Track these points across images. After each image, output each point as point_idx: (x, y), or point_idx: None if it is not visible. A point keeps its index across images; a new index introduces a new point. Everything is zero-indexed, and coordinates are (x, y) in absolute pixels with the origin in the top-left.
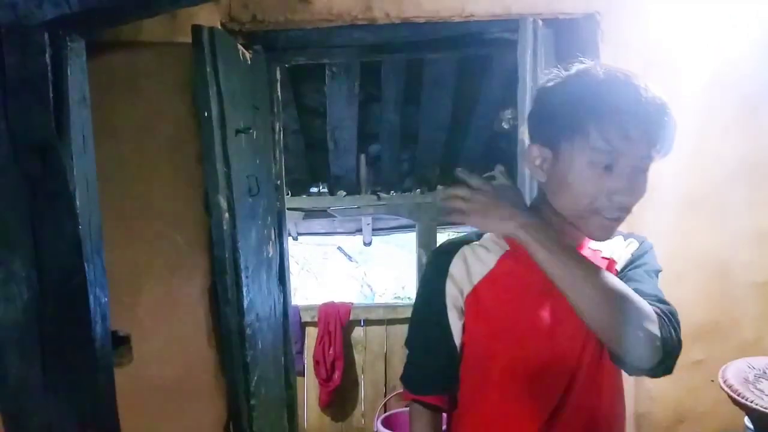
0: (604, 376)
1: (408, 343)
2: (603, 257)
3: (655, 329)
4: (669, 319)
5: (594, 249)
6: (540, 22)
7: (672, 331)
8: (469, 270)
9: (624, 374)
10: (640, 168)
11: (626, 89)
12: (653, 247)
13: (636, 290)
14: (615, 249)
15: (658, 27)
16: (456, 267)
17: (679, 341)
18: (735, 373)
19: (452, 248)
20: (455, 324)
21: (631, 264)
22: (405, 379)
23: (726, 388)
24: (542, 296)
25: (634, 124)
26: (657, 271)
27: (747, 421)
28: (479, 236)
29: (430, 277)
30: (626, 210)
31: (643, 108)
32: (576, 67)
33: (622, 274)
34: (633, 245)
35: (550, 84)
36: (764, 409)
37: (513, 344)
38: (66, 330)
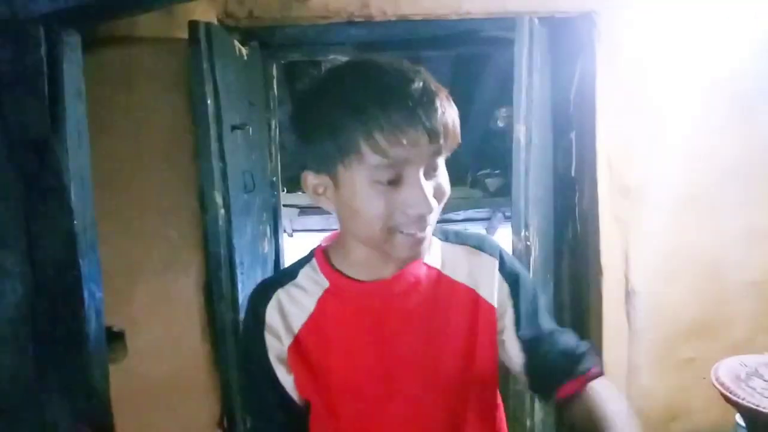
0: (468, 402)
1: (246, 409)
2: (455, 282)
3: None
4: (592, 350)
5: (431, 266)
6: (536, 21)
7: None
8: (287, 318)
9: (620, 371)
10: (431, 167)
11: (388, 86)
12: (502, 249)
13: (552, 347)
14: (455, 264)
15: (654, 27)
16: (272, 317)
17: None
18: (727, 370)
19: (265, 294)
20: (285, 380)
21: (514, 293)
22: None
23: (718, 386)
24: (373, 337)
25: (407, 126)
26: (534, 289)
27: (738, 418)
28: (294, 273)
29: (248, 331)
30: (427, 220)
31: (413, 104)
32: (325, 72)
33: (520, 309)
34: (487, 262)
35: (304, 96)
36: (755, 407)
37: (346, 395)
38: (60, 326)
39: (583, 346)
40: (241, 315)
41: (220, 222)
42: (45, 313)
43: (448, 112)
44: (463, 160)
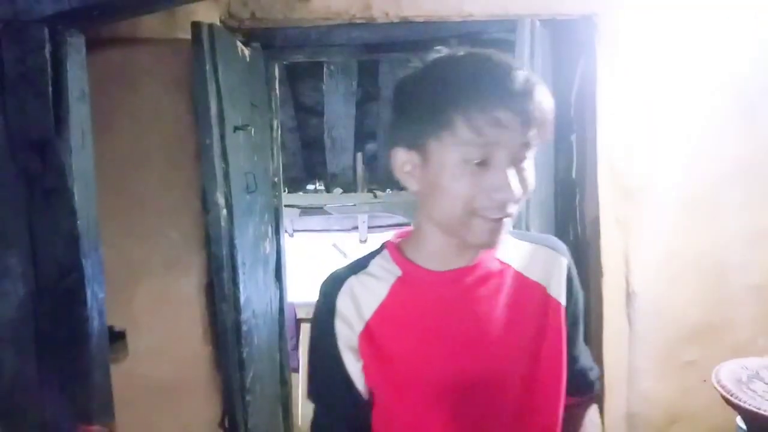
0: (536, 392)
1: (309, 395)
2: (527, 278)
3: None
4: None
5: (503, 261)
6: (537, 23)
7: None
8: (359, 304)
9: (621, 373)
10: (519, 157)
11: (490, 71)
12: (570, 255)
13: (580, 371)
14: (528, 262)
15: (654, 29)
16: (343, 303)
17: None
18: (728, 373)
19: (338, 282)
20: (354, 368)
21: (570, 300)
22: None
23: (719, 389)
24: (443, 325)
25: (504, 108)
26: (584, 305)
27: (739, 421)
28: (366, 263)
29: (319, 318)
30: (510, 209)
31: (512, 89)
32: (433, 56)
33: (569, 318)
34: (558, 262)
35: (407, 78)
36: (757, 410)
37: (417, 384)
38: (62, 326)
39: (597, 371)
40: (243, 315)
41: (222, 222)
42: (47, 314)
43: (546, 104)
44: None
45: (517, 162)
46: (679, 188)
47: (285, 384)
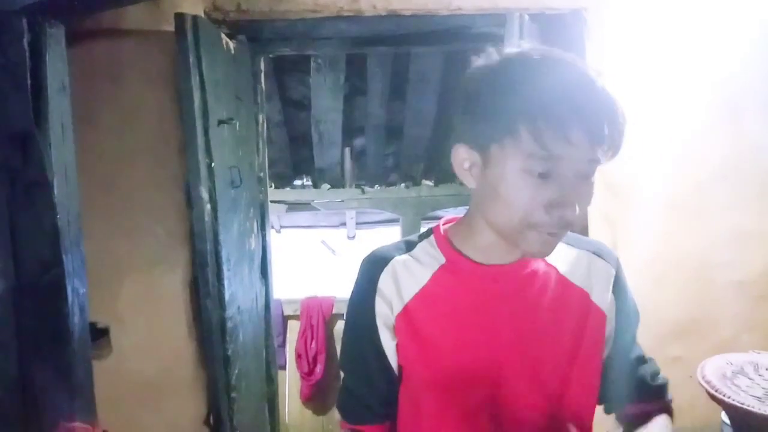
0: (567, 397)
1: (342, 365)
2: (571, 282)
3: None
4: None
5: (549, 263)
6: (526, 17)
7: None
8: (400, 286)
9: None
10: (583, 174)
11: (566, 84)
12: (621, 265)
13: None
14: (574, 267)
15: (643, 26)
16: (385, 283)
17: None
18: (713, 369)
19: (381, 261)
20: (388, 345)
21: (620, 308)
22: (341, 406)
23: (704, 384)
24: (483, 318)
25: (576, 125)
26: (637, 314)
27: (724, 416)
28: (412, 245)
29: (359, 294)
30: (569, 224)
31: (588, 104)
32: (507, 51)
33: (616, 327)
34: (605, 270)
35: (476, 73)
36: (741, 404)
37: (449, 370)
38: (43, 322)
39: (664, 378)
40: (229, 311)
41: (207, 218)
42: (28, 309)
43: (621, 124)
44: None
45: (581, 177)
46: (666, 187)
47: (271, 381)
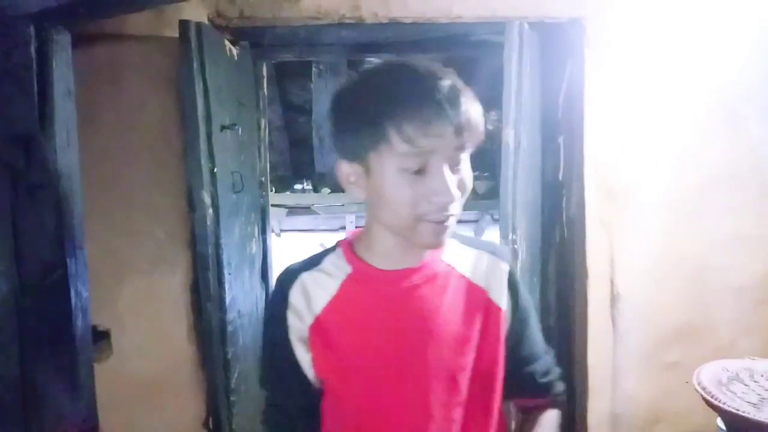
0: (470, 398)
1: (262, 382)
2: (469, 281)
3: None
4: (559, 377)
5: (448, 264)
6: (526, 26)
7: (562, 383)
8: (310, 299)
9: (605, 374)
10: (455, 161)
11: (417, 82)
12: (514, 263)
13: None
14: (472, 266)
15: (642, 33)
16: (295, 297)
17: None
18: (709, 375)
19: (291, 276)
20: (304, 358)
21: (515, 304)
22: (265, 421)
23: (700, 390)
24: (389, 321)
25: (434, 118)
26: (531, 308)
27: (719, 422)
28: (320, 259)
29: (271, 310)
30: (452, 210)
31: (439, 98)
32: (362, 71)
33: (510, 323)
34: (500, 268)
35: (341, 92)
36: (736, 411)
37: (363, 376)
38: (46, 324)
39: (555, 375)
40: (229, 315)
41: (208, 222)
42: (30, 312)
43: (473, 109)
44: None
45: (453, 165)
46: (664, 191)
47: None
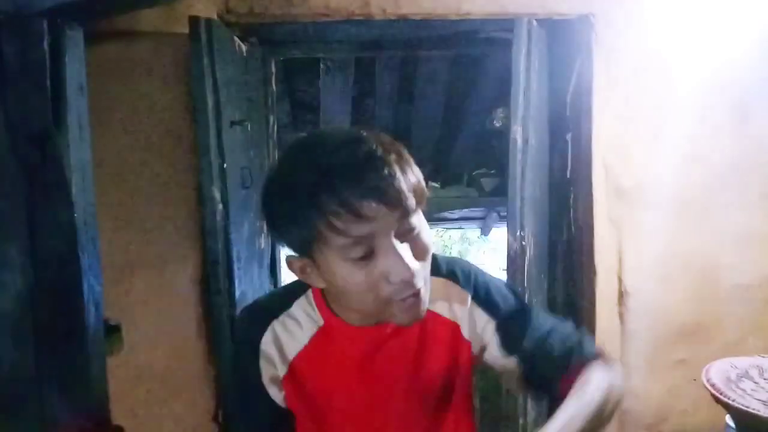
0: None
1: (232, 414)
2: (438, 316)
3: (618, 380)
4: (585, 337)
5: (434, 312)
6: (535, 23)
7: (588, 344)
8: (282, 347)
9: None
10: (404, 230)
11: (331, 168)
12: (476, 274)
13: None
14: (440, 299)
15: (650, 31)
16: (267, 345)
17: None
18: (718, 372)
19: (261, 323)
20: (277, 396)
21: (495, 316)
22: None
23: (709, 387)
24: (362, 373)
25: (362, 200)
26: (507, 294)
27: (728, 419)
28: (289, 302)
29: (243, 356)
30: (416, 285)
31: (359, 174)
32: (278, 160)
33: (508, 329)
34: (461, 296)
35: (266, 188)
36: (746, 408)
37: (339, 418)
38: (59, 318)
39: (573, 338)
40: (238, 310)
41: (218, 217)
42: (45, 306)
43: (401, 175)
44: (459, 159)
45: (402, 234)
46: (673, 188)
47: None
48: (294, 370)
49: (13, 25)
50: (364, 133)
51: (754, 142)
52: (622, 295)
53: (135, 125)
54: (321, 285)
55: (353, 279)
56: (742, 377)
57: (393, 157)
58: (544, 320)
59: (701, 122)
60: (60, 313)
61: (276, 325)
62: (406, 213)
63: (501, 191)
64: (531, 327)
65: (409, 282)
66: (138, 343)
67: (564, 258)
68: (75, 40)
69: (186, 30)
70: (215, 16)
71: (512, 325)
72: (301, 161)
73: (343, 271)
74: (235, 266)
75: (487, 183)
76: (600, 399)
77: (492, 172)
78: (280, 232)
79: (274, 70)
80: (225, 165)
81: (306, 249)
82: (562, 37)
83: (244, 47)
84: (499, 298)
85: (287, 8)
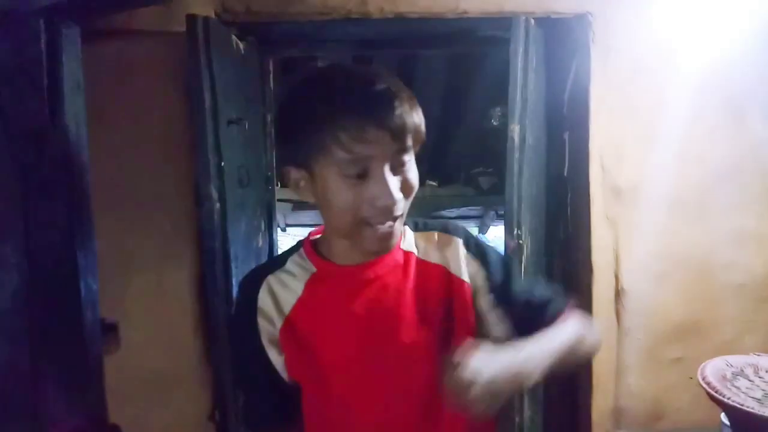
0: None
1: (237, 384)
2: (428, 263)
3: (593, 334)
4: (564, 297)
5: (407, 251)
6: (532, 21)
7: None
8: (278, 301)
9: (608, 369)
10: (398, 163)
11: (351, 90)
12: (465, 229)
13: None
14: (427, 248)
15: (648, 29)
16: (263, 300)
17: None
18: (713, 370)
19: (257, 279)
20: (277, 360)
21: (485, 263)
22: (246, 420)
23: (704, 385)
24: (357, 315)
25: (370, 125)
26: (506, 261)
27: (723, 417)
28: (283, 260)
29: (241, 316)
30: (394, 213)
31: (373, 104)
32: (300, 78)
33: (492, 280)
34: (452, 242)
35: (285, 100)
36: (740, 406)
37: (336, 373)
38: (55, 317)
39: (549, 292)
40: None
41: (215, 216)
42: (41, 305)
43: (409, 112)
44: (457, 157)
45: (396, 167)
46: (670, 187)
47: None
48: (291, 323)
49: (9, 23)
50: (383, 71)
51: (750, 142)
52: (618, 294)
53: (131, 124)
54: (310, 199)
55: (342, 196)
56: (737, 375)
57: (405, 96)
58: (524, 282)
59: (698, 122)
60: (56, 313)
61: (271, 280)
62: (403, 148)
63: (498, 190)
64: (515, 278)
65: (389, 209)
66: (134, 342)
67: (561, 257)
68: (72, 38)
69: (183, 28)
70: (212, 15)
71: (500, 274)
72: (323, 82)
73: (335, 185)
74: (233, 265)
75: (485, 181)
76: (574, 336)
77: (489, 170)
78: (289, 140)
79: (271, 68)
80: (222, 163)
81: (307, 160)
82: (560, 36)
83: (241, 46)
84: (488, 249)
85: (284, 7)
